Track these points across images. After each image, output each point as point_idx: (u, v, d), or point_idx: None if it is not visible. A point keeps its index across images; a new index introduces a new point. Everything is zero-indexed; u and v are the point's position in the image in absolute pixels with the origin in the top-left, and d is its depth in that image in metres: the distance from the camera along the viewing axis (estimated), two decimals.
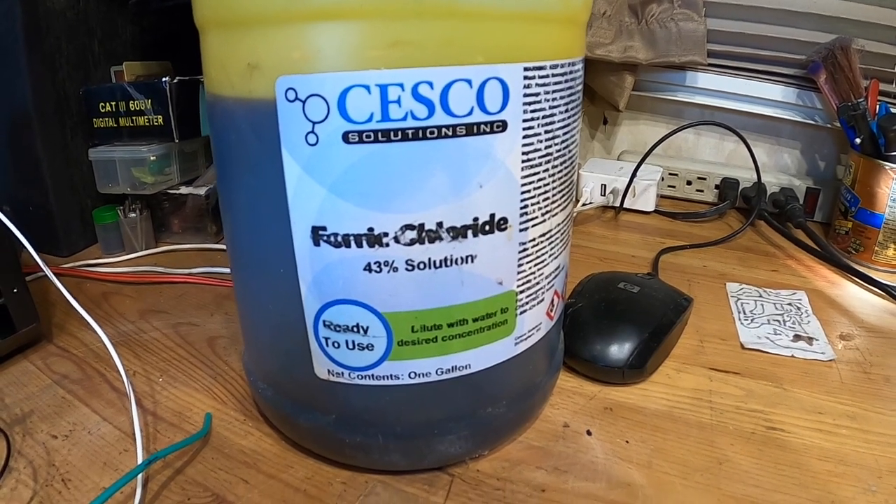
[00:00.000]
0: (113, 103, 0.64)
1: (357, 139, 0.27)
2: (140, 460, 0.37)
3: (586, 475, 0.37)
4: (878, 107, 0.66)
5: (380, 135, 0.26)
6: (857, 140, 0.67)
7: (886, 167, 0.63)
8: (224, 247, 0.67)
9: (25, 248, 0.44)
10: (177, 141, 0.63)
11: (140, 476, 0.35)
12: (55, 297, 0.56)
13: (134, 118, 0.64)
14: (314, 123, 0.27)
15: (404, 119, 0.26)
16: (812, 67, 0.73)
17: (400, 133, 0.27)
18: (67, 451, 0.39)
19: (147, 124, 0.64)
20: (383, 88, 0.26)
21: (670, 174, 0.85)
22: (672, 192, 0.86)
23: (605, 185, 0.80)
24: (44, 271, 0.56)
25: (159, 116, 0.63)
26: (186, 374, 0.47)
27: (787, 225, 0.74)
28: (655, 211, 0.80)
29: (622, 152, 0.90)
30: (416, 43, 0.26)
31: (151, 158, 0.64)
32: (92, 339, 0.51)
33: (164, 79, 0.61)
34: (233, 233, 0.34)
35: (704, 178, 0.83)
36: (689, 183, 0.84)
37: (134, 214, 0.66)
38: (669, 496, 0.36)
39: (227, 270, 0.61)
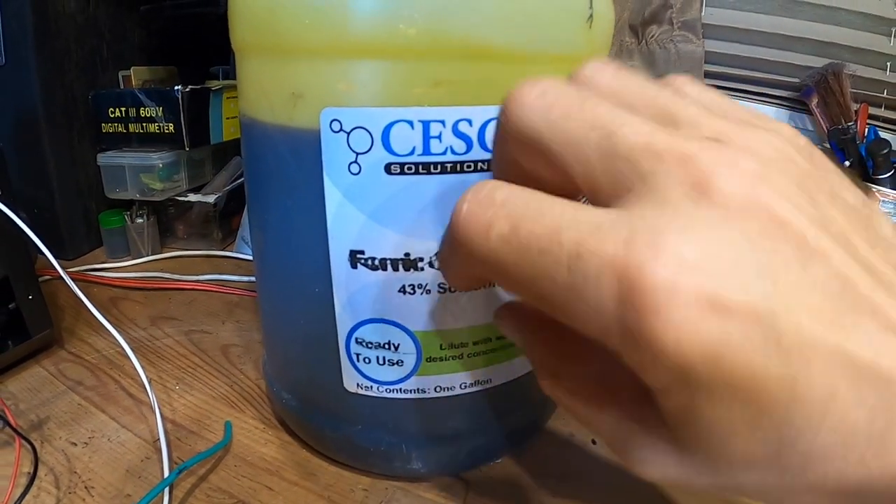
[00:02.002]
0: (122, 109, 0.65)
1: (398, 170, 0.28)
2: (166, 469, 0.37)
3: (593, 482, 0.39)
4: (867, 130, 0.69)
5: (420, 167, 0.28)
6: (847, 163, 0.69)
7: (874, 189, 0.65)
8: (231, 254, 0.69)
9: (42, 253, 0.44)
10: (187, 149, 0.65)
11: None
12: (63, 302, 0.57)
13: (144, 125, 0.65)
14: (357, 154, 0.28)
15: (444, 153, 0.28)
16: (805, 91, 0.76)
17: (439, 166, 0.28)
18: (88, 459, 0.39)
19: (157, 131, 0.65)
20: (426, 124, 0.27)
21: None
22: None
23: None
24: (60, 275, 0.57)
25: (170, 124, 0.64)
26: (202, 382, 0.48)
27: None
28: None
29: None
30: (458, 83, 0.27)
31: (160, 165, 0.65)
32: (104, 345, 0.51)
33: (176, 87, 0.62)
34: (264, 250, 0.36)
35: None
36: None
37: (141, 220, 0.67)
38: (671, 500, 0.38)
39: (236, 278, 0.63)
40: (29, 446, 0.38)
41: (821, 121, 0.73)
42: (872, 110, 0.72)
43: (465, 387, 0.34)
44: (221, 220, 0.70)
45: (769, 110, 0.81)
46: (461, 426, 0.36)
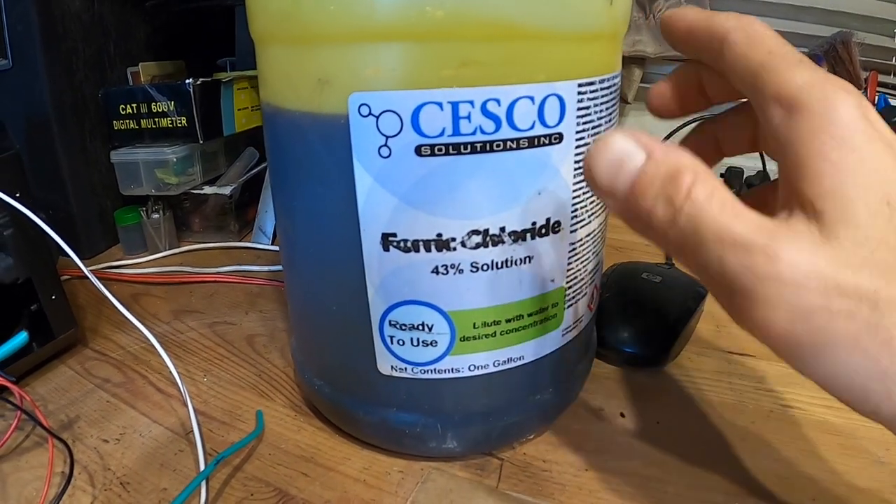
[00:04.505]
0: (134, 105, 0.65)
1: (429, 152, 0.29)
2: (202, 462, 0.38)
3: (624, 454, 0.40)
4: (876, 98, 0.69)
5: (450, 148, 0.28)
6: None
7: None
8: (249, 245, 0.69)
9: (64, 253, 0.43)
10: (201, 142, 0.65)
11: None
12: (84, 301, 0.57)
13: (156, 120, 0.65)
14: (387, 137, 0.29)
15: (473, 133, 0.28)
16: (814, 61, 0.76)
17: (469, 146, 0.29)
18: (121, 455, 0.39)
19: (170, 126, 0.65)
20: (455, 105, 0.28)
21: None
22: None
23: None
24: (80, 275, 0.57)
25: (183, 118, 0.64)
26: (230, 373, 0.48)
27: None
28: None
29: None
30: (485, 63, 0.28)
31: (174, 159, 0.65)
32: (128, 342, 0.52)
33: (187, 81, 0.63)
34: (293, 238, 0.36)
35: None
36: None
37: (157, 215, 0.67)
38: (699, 470, 0.38)
39: (256, 268, 0.63)
40: (62, 445, 0.38)
41: None
42: (882, 78, 0.72)
43: (499, 364, 0.34)
44: (237, 211, 0.70)
45: None
46: (495, 404, 0.36)
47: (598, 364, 0.48)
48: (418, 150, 0.29)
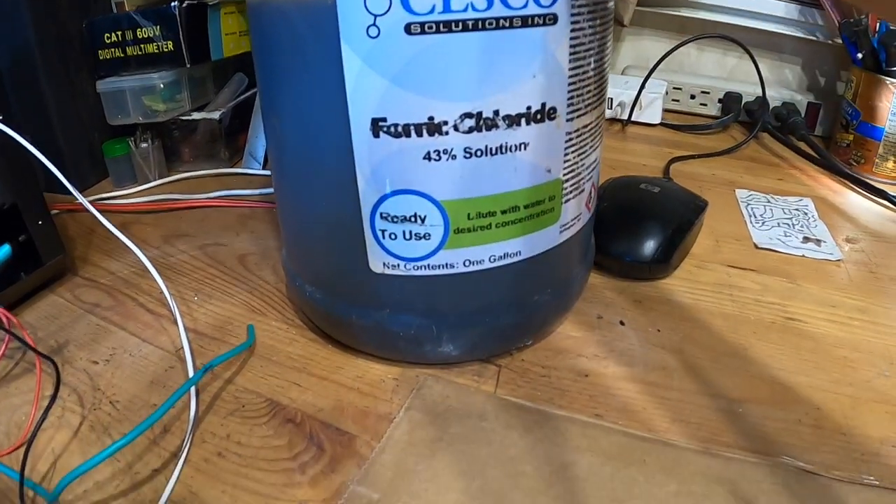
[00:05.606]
0: (119, 33, 0.63)
1: (419, 30, 0.27)
2: (191, 372, 0.37)
3: (624, 360, 0.39)
4: (878, 23, 0.67)
5: (441, 26, 0.27)
6: (859, 55, 0.68)
7: (887, 82, 0.64)
8: (240, 171, 0.68)
9: (53, 176, 0.42)
10: (188, 66, 0.63)
11: (193, 388, 0.36)
12: (74, 233, 0.56)
13: (142, 46, 0.63)
14: (375, 16, 0.27)
15: (465, 10, 0.27)
16: None
17: (461, 24, 0.27)
18: (111, 375, 0.39)
19: (157, 51, 0.63)
20: None
21: (674, 88, 0.86)
22: (676, 105, 0.87)
23: (611, 99, 0.81)
24: (68, 208, 0.56)
25: (169, 42, 0.62)
26: (221, 291, 0.48)
27: (790, 138, 0.75)
28: (661, 123, 0.81)
29: (626, 67, 0.91)
30: None
31: (162, 85, 0.63)
32: (118, 267, 0.51)
33: (173, 3, 0.61)
34: (282, 136, 0.35)
35: (708, 92, 0.84)
36: (692, 97, 0.86)
37: (146, 144, 0.66)
38: (702, 377, 0.38)
39: (247, 192, 0.62)
40: (51, 368, 0.37)
41: (832, 14, 0.72)
42: None
43: (494, 260, 0.34)
44: (227, 138, 0.69)
45: (780, 6, 0.79)
46: (491, 303, 0.36)
47: (597, 275, 0.47)
48: (408, 29, 0.27)
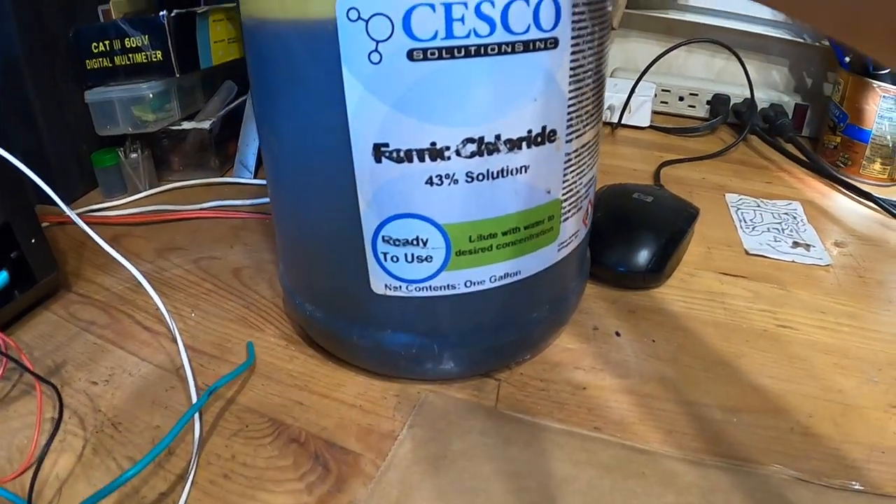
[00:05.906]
0: (107, 42, 0.63)
1: (422, 56, 0.27)
2: (194, 395, 0.37)
3: (620, 372, 0.40)
4: None
5: (444, 52, 0.27)
6: (847, 58, 0.69)
7: (874, 85, 0.65)
8: (231, 180, 0.68)
9: (43, 192, 0.42)
10: (177, 75, 0.63)
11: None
12: (65, 246, 0.55)
13: (131, 55, 0.63)
14: (378, 42, 0.27)
15: (467, 36, 0.27)
16: None
17: (463, 50, 0.28)
18: (112, 396, 0.39)
19: (145, 61, 0.62)
20: (448, 7, 0.27)
21: (663, 90, 0.86)
22: (665, 107, 0.87)
23: None
24: (58, 221, 0.56)
25: (158, 52, 0.62)
26: (218, 307, 0.47)
27: (778, 139, 0.76)
28: (650, 126, 0.81)
29: (615, 69, 0.91)
30: None
31: (151, 95, 0.63)
32: (112, 283, 0.50)
33: (161, 13, 0.60)
34: (280, 157, 0.35)
35: (696, 94, 0.85)
36: (681, 99, 0.86)
37: (135, 154, 0.65)
38: (697, 387, 0.38)
39: (239, 202, 0.62)
40: (51, 390, 0.37)
41: None
42: None
43: (495, 280, 0.34)
44: (217, 146, 0.68)
45: (767, 9, 0.79)
46: (491, 321, 0.36)
47: (591, 285, 0.47)
48: (410, 55, 0.28)
